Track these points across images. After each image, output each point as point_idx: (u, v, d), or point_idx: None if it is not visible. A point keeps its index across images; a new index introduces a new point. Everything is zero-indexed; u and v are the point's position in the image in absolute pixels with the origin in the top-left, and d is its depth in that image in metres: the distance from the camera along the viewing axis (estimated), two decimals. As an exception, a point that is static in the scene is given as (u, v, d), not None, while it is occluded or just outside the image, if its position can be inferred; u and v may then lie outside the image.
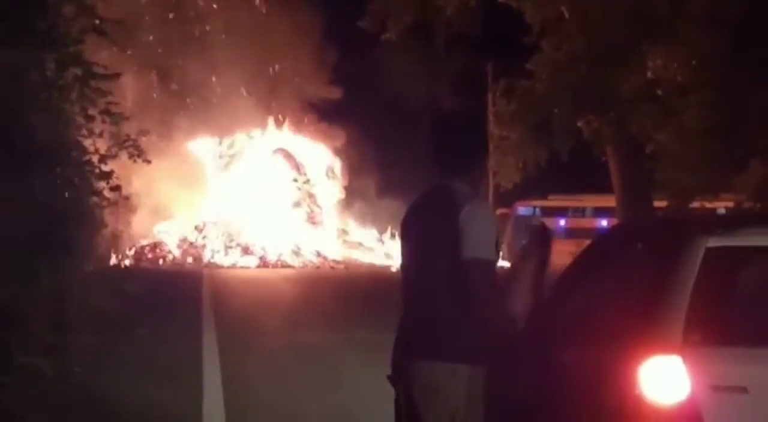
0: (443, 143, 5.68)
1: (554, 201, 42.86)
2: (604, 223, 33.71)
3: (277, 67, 48.04)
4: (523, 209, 43.05)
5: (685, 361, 4.82)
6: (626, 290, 5.87)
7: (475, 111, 38.21)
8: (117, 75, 17.64)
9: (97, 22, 16.19)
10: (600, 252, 6.76)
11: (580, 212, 41.88)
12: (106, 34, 16.68)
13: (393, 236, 51.16)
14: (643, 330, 5.00)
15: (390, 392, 5.80)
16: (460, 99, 50.29)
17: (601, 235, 7.36)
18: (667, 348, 4.86)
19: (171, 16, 44.93)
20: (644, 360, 4.87)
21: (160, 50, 44.39)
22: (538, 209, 43.31)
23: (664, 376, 4.84)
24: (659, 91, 24.14)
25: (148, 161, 19.89)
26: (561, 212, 42.64)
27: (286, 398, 12.04)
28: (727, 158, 23.79)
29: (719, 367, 4.91)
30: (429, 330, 5.32)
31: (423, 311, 5.41)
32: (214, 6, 48.30)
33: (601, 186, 28.78)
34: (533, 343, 5.86)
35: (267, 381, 13.11)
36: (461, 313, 5.23)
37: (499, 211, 44.13)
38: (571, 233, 37.46)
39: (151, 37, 43.47)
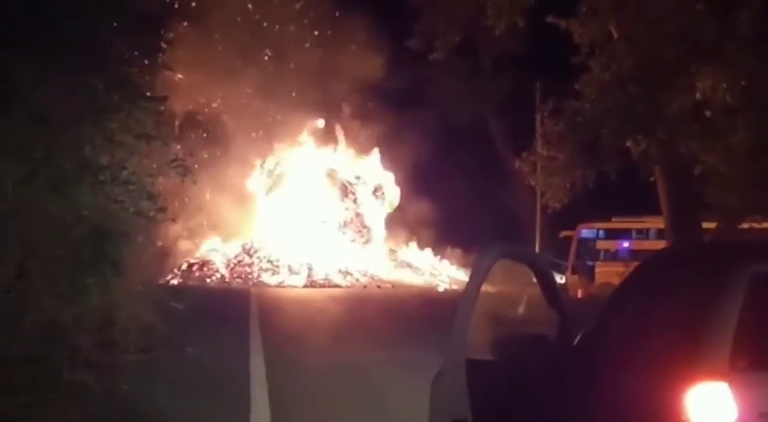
0: None
1: (617, 223, 42.46)
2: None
3: (325, 87, 47.99)
4: (586, 232, 42.69)
5: (731, 387, 4.78)
6: (672, 316, 5.82)
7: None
8: (164, 97, 17.81)
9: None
10: (647, 277, 6.71)
11: (644, 233, 41.42)
12: (156, 57, 16.84)
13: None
14: (689, 356, 4.96)
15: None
16: (507, 119, 50.41)
17: (648, 260, 7.29)
18: (713, 375, 4.82)
19: (218, 37, 45.06)
20: (691, 386, 4.83)
21: (208, 69, 44.55)
22: (601, 232, 42.96)
23: (710, 403, 4.80)
24: (707, 113, 23.95)
25: (194, 182, 20.04)
26: (625, 234, 42.32)
27: (332, 416, 12.07)
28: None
29: (766, 393, 4.86)
30: None
31: None
32: (264, 24, 48.52)
33: (657, 207, 28.46)
34: (582, 364, 5.85)
35: (313, 399, 13.15)
36: None
37: (563, 234, 43.86)
38: (635, 254, 37.18)
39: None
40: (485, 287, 6.49)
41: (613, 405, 5.48)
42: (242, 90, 47.16)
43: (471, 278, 6.65)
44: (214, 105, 46.95)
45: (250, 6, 48.05)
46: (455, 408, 6.38)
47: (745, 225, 26.07)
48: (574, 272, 41.01)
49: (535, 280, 7.03)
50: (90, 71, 14.44)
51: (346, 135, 52.12)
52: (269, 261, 47.17)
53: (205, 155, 41.18)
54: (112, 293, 15.47)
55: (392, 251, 51.63)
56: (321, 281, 45.54)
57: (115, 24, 15.76)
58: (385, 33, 45.14)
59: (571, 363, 6.42)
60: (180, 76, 34.73)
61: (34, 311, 12.85)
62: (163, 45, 18.74)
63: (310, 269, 46.42)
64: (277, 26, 48.87)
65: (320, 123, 50.84)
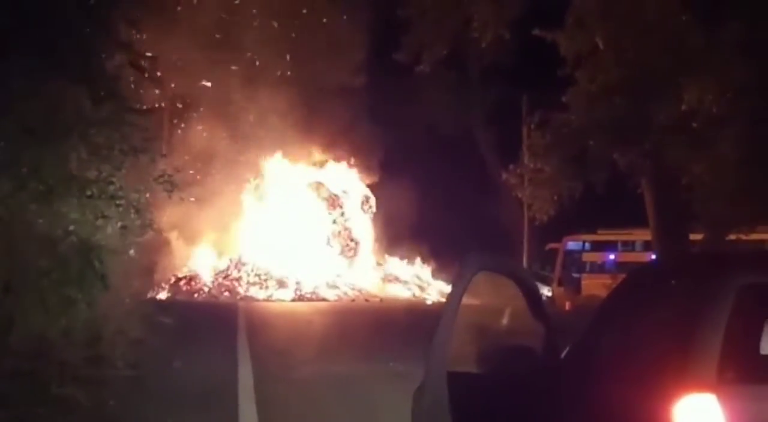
0: None
1: (603, 235, 42.48)
2: (654, 257, 33.41)
3: (311, 98, 47.88)
4: (572, 244, 42.69)
5: (719, 399, 4.79)
6: (660, 328, 5.84)
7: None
8: (151, 110, 17.77)
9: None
10: (634, 289, 6.73)
11: (630, 245, 41.46)
12: (143, 69, 16.81)
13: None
14: (677, 367, 4.97)
15: None
16: (494, 130, 50.49)
17: (635, 271, 7.31)
18: (701, 386, 4.83)
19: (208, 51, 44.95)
20: (679, 398, 4.84)
21: (195, 83, 44.52)
22: (587, 244, 42.97)
23: (698, 414, 4.80)
24: (694, 124, 23.99)
25: (182, 198, 20.01)
26: (611, 246, 42.37)
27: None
28: (763, 191, 23.58)
29: (754, 405, 4.87)
30: None
31: None
32: (251, 34, 48.44)
33: (644, 219, 28.48)
34: (572, 374, 5.86)
35: (302, 412, 13.13)
36: None
37: (549, 246, 43.86)
38: (621, 266, 37.13)
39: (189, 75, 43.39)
40: (469, 300, 6.48)
41: (601, 417, 5.48)
42: (229, 102, 47.09)
43: (452, 289, 6.66)
44: (201, 116, 46.92)
45: (236, 18, 47.99)
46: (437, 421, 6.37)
47: (732, 237, 26.12)
48: (560, 284, 41.04)
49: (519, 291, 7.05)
50: (78, 83, 14.43)
51: (334, 148, 52.03)
52: (257, 275, 47.09)
53: (192, 172, 41.02)
54: (100, 308, 15.46)
55: (380, 265, 51.63)
56: (309, 295, 45.46)
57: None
58: (372, 44, 45.24)
59: (559, 375, 6.42)
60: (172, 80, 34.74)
61: (22, 326, 12.82)
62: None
63: (298, 283, 46.37)
64: (262, 39, 48.82)
65: (306, 136, 50.69)
